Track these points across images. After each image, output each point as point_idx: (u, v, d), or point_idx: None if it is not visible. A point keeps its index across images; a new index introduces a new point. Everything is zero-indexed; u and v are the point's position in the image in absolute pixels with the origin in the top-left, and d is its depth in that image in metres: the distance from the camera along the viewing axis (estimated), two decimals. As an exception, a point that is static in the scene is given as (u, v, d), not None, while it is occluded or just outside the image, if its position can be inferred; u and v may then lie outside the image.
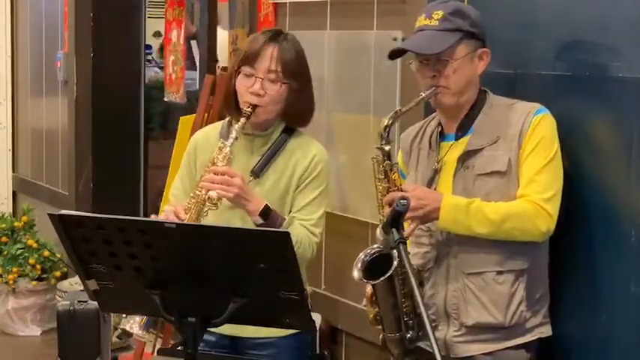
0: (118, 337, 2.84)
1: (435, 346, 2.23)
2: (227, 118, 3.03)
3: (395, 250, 2.44)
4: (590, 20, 2.72)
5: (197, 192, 2.83)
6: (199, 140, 3.07)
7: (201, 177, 2.85)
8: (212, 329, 2.86)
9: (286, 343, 2.95)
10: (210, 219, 2.84)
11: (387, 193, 2.67)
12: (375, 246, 2.65)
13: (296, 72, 2.91)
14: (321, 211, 2.95)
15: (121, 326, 2.87)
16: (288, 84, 2.89)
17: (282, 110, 2.92)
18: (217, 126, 3.08)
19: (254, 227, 2.77)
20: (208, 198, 2.80)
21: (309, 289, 2.97)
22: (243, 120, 2.86)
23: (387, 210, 2.63)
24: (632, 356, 2.61)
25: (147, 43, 6.36)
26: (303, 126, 3.01)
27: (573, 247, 2.75)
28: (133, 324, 2.82)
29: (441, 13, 2.65)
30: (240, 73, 2.91)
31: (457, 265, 2.68)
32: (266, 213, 2.82)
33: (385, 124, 2.65)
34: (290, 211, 2.93)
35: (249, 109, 2.86)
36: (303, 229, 2.89)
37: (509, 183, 2.63)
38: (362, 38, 3.66)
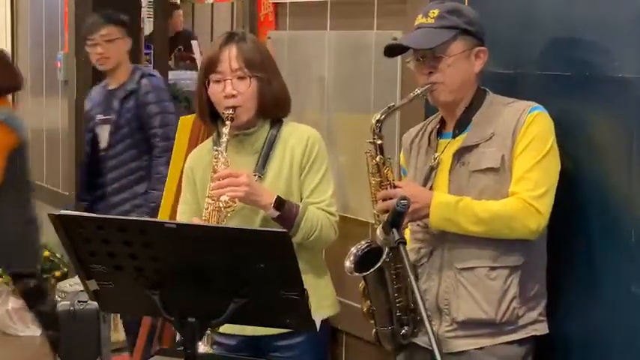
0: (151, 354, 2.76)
1: (433, 342, 2.23)
2: (215, 132, 3.05)
3: (385, 245, 2.46)
4: (589, 20, 2.72)
5: (210, 202, 2.85)
6: (193, 159, 3.11)
7: (208, 188, 2.87)
8: (231, 332, 2.88)
9: (307, 345, 2.97)
10: (233, 224, 2.86)
11: (380, 188, 2.68)
12: (365, 241, 2.68)
13: (260, 64, 2.94)
14: (330, 189, 2.99)
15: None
16: (256, 77, 2.91)
17: (259, 104, 2.94)
18: (207, 142, 3.12)
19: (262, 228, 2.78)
20: (223, 203, 2.82)
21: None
22: (228, 124, 2.89)
23: (380, 205, 2.65)
24: (632, 356, 2.61)
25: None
26: (285, 115, 3.05)
27: (573, 246, 2.75)
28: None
29: (437, 11, 2.67)
30: (209, 82, 2.93)
31: (450, 260, 2.69)
32: (280, 204, 2.84)
33: (377, 118, 2.67)
34: (301, 199, 2.95)
35: (230, 112, 2.89)
36: (321, 212, 2.93)
37: (502, 180, 2.63)
38: (362, 38, 3.66)
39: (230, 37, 2.95)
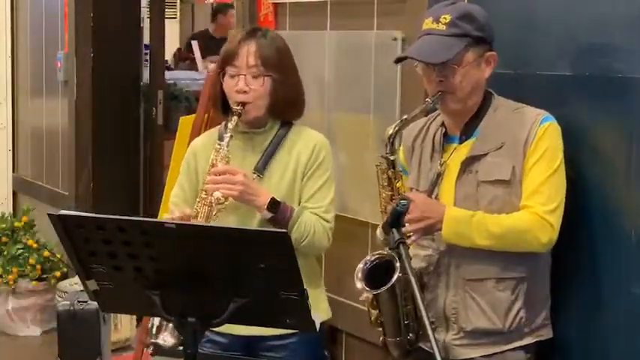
0: (151, 354, 2.80)
1: (435, 349, 2.23)
2: (223, 122, 3.04)
3: (397, 257, 2.44)
4: (590, 20, 2.72)
5: (202, 195, 2.85)
6: (197, 147, 3.08)
7: (204, 181, 2.86)
8: (224, 330, 2.87)
9: (300, 346, 2.96)
10: (220, 221, 2.86)
11: (391, 201, 2.65)
12: (376, 253, 2.65)
13: (277, 64, 2.92)
14: (329, 197, 2.97)
15: (152, 341, 2.83)
16: (270, 76, 2.90)
17: (270, 104, 2.93)
18: (214, 131, 3.11)
19: (260, 227, 2.78)
20: (215, 199, 2.81)
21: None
22: (235, 119, 2.88)
23: None
24: (632, 357, 2.61)
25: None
26: (297, 118, 3.03)
27: (573, 247, 2.74)
28: (165, 336, 2.80)
29: (448, 17, 2.60)
30: (225, 74, 2.93)
31: (457, 272, 2.68)
32: (273, 206, 2.83)
33: (390, 133, 2.62)
34: (299, 203, 2.95)
35: (239, 108, 2.89)
36: (315, 217, 2.91)
37: (512, 191, 2.61)
38: (362, 38, 3.65)
39: (251, 33, 2.94)
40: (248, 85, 2.89)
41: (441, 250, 2.70)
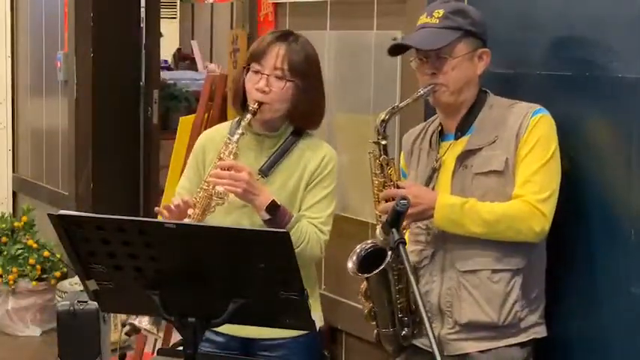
0: (126, 333, 2.84)
1: (433, 343, 2.23)
2: (236, 118, 3.04)
3: (389, 247, 2.45)
4: (589, 20, 2.72)
5: (204, 187, 2.85)
6: (206, 139, 3.08)
7: (208, 172, 2.86)
8: (223, 330, 2.87)
9: (297, 345, 2.96)
10: (218, 219, 2.86)
11: (383, 188, 2.68)
12: (370, 241, 2.67)
13: (303, 71, 2.91)
14: (330, 209, 2.96)
15: (130, 321, 2.86)
16: (293, 82, 2.90)
17: (288, 110, 2.93)
18: (225, 125, 3.11)
19: (259, 228, 2.77)
20: (216, 193, 2.82)
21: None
22: (249, 116, 2.88)
23: (383, 205, 2.64)
24: (632, 357, 2.61)
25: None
26: (312, 128, 3.02)
27: (573, 247, 2.75)
28: (142, 318, 2.81)
29: (442, 11, 2.66)
30: (249, 70, 2.93)
31: (452, 263, 2.69)
32: (272, 208, 2.82)
33: (382, 118, 2.66)
34: (299, 211, 2.94)
35: (255, 106, 2.88)
36: (312, 227, 2.90)
37: (505, 183, 2.63)
38: (362, 38, 3.66)
39: (283, 36, 2.94)
40: (269, 86, 2.88)
41: (435, 243, 2.71)
